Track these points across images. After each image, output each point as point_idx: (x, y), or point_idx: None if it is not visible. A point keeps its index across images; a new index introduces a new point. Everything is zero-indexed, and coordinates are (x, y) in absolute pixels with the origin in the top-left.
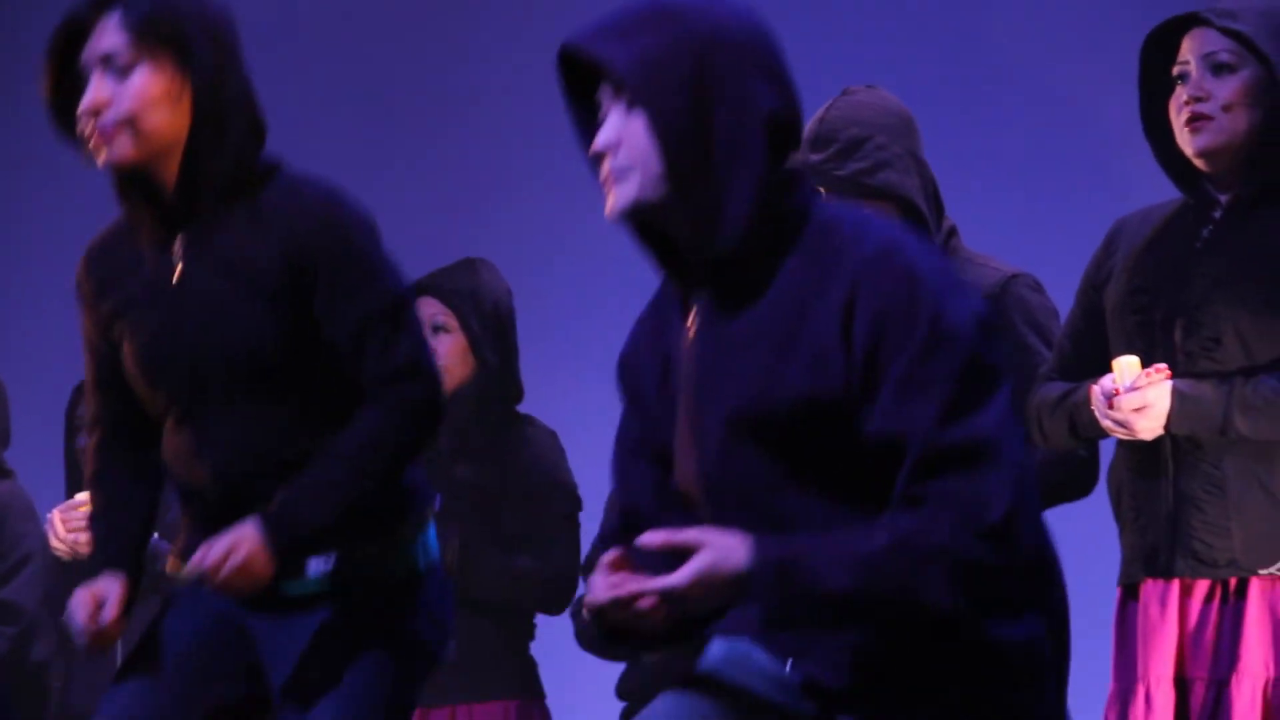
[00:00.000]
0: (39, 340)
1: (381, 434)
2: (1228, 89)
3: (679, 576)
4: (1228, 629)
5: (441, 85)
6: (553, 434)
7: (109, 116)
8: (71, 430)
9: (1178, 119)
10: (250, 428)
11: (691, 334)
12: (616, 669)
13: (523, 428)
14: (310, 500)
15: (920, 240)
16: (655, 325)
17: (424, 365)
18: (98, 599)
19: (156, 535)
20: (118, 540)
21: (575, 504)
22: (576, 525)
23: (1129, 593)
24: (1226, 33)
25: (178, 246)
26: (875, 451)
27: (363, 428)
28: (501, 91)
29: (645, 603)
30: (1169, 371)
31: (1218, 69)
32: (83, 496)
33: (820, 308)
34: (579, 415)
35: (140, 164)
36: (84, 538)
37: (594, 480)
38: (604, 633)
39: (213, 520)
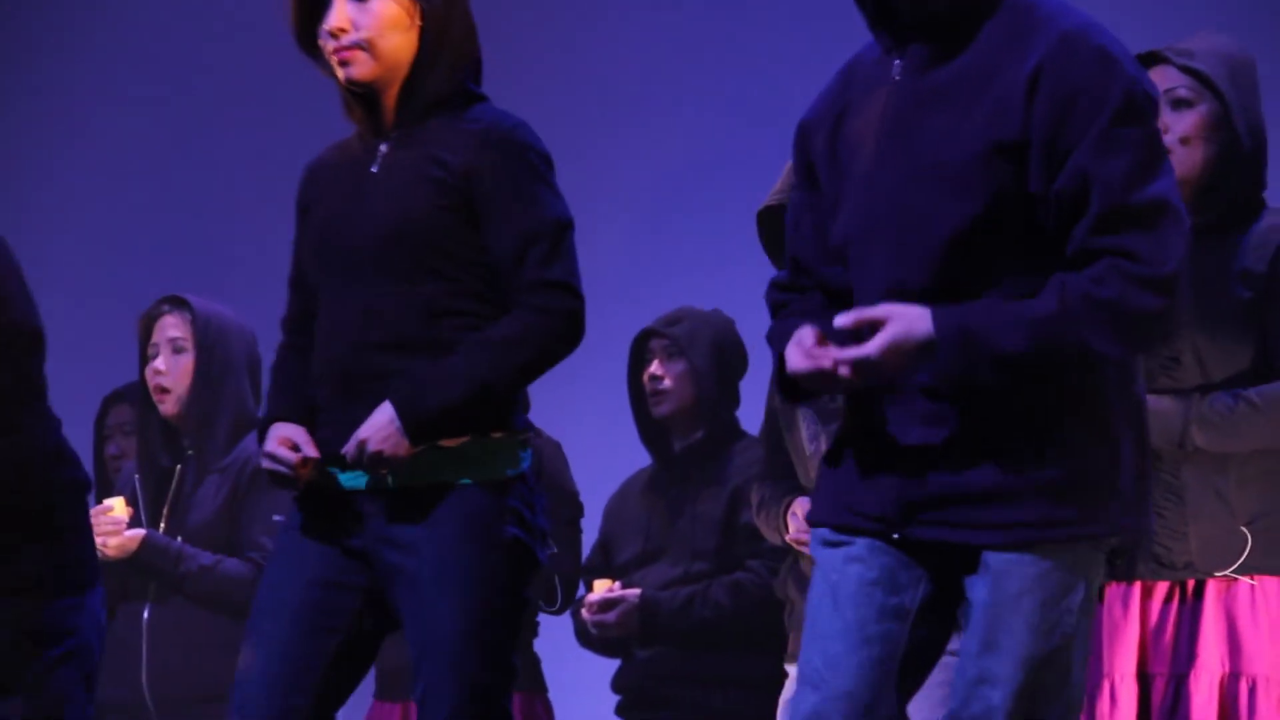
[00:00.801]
0: (69, 351)
1: (527, 333)
2: (1185, 123)
3: (873, 346)
4: (1186, 628)
5: None
6: (556, 444)
7: (350, 38)
8: (100, 438)
9: None
10: (389, 302)
11: (899, 75)
12: (612, 665)
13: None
14: (442, 381)
15: (1110, 30)
16: (838, 90)
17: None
18: (290, 441)
19: (179, 539)
20: (291, 400)
21: (577, 510)
22: (578, 530)
23: None
24: (1186, 70)
25: (384, 146)
26: (1052, 206)
27: (510, 324)
28: (504, 102)
29: (843, 370)
30: None
31: (1177, 104)
32: (111, 502)
33: (1011, 67)
34: (581, 427)
35: (373, 80)
36: (113, 541)
37: (594, 487)
38: (790, 394)
39: (340, 407)
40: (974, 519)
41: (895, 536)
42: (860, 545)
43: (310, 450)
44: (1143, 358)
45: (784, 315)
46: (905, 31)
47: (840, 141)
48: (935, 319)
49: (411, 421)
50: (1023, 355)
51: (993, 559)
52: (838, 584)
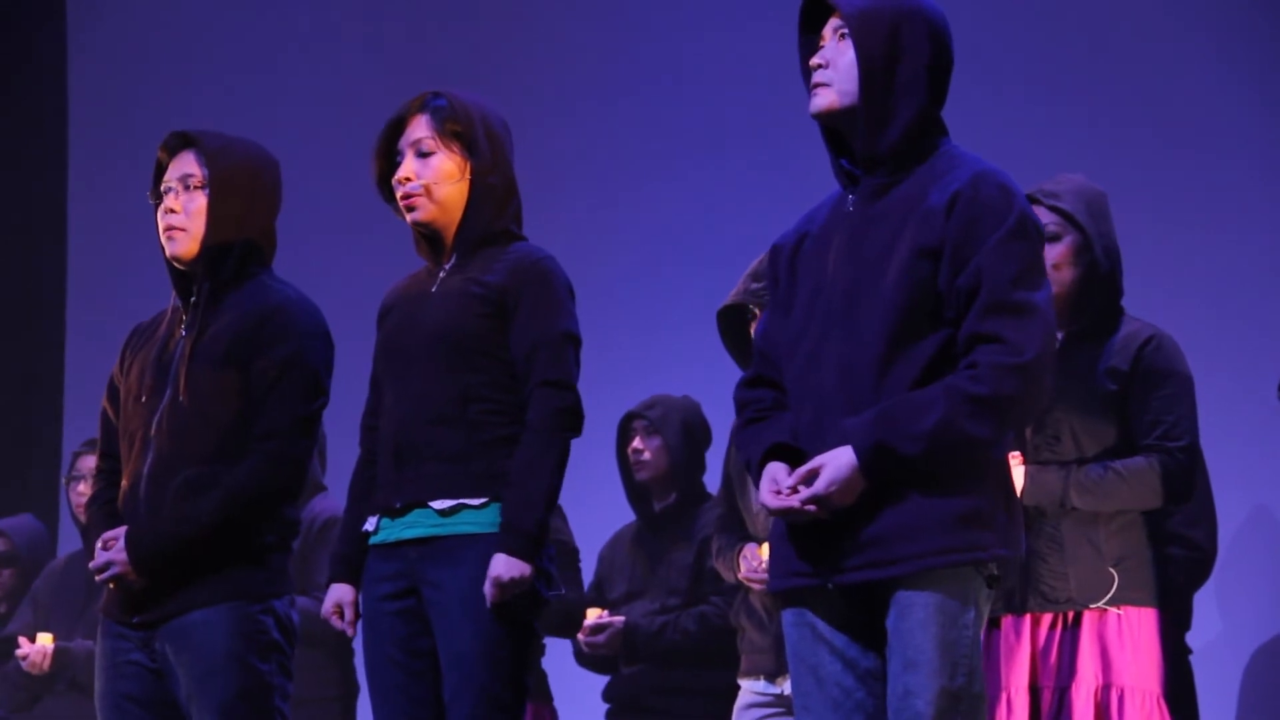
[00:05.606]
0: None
1: (549, 443)
2: (1055, 252)
3: (819, 486)
4: (1067, 649)
5: None
6: (558, 506)
7: (414, 185)
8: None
9: None
10: (431, 388)
11: (852, 207)
12: (604, 679)
13: None
14: (522, 513)
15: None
16: (804, 220)
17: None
18: (339, 608)
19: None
20: (354, 556)
21: (573, 556)
22: (578, 572)
23: (993, 624)
24: (1053, 210)
25: (443, 273)
26: (954, 298)
27: (536, 443)
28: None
29: (810, 508)
30: (1022, 458)
31: (1049, 238)
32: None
33: (935, 194)
34: (581, 491)
35: (431, 221)
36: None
37: (589, 540)
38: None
39: (393, 470)
40: (886, 556)
41: (830, 586)
42: (818, 623)
43: (349, 627)
44: (1030, 439)
45: (748, 419)
46: (864, 165)
47: (800, 258)
48: (855, 449)
49: (523, 554)
50: (920, 455)
51: (901, 595)
52: (816, 666)
